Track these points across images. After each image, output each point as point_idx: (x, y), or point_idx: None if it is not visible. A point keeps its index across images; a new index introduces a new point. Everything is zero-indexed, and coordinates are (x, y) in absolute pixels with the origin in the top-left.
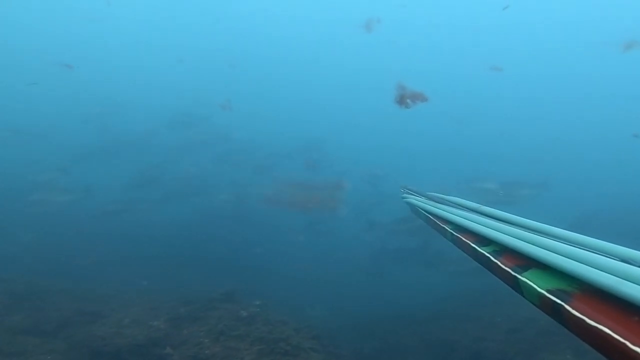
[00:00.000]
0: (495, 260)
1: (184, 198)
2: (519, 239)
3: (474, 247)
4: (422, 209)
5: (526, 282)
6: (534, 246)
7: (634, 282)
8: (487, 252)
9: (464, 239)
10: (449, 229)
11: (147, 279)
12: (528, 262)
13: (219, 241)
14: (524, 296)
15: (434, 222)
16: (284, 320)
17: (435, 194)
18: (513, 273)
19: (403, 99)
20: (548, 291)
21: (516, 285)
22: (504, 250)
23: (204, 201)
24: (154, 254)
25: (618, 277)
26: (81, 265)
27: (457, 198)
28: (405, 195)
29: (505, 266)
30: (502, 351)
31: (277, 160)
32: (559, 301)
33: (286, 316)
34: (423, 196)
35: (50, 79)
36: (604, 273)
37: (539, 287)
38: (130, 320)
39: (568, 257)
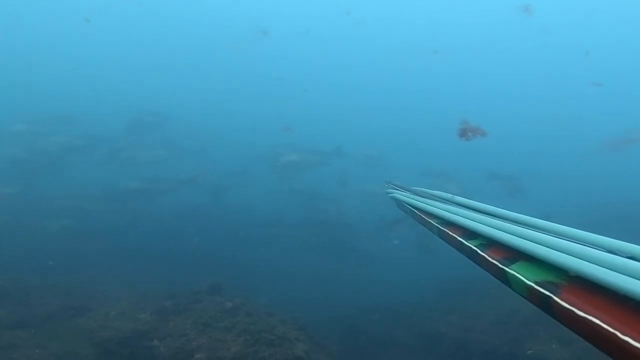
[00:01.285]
0: (482, 254)
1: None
2: (505, 232)
3: (461, 241)
4: (407, 203)
5: (514, 275)
6: (520, 239)
7: (621, 273)
8: (474, 246)
9: (450, 232)
10: (435, 223)
11: (130, 274)
12: (515, 255)
13: (201, 236)
14: (511, 288)
15: (420, 217)
16: (269, 311)
17: (421, 189)
18: (500, 266)
19: (465, 133)
20: (536, 283)
21: (504, 278)
22: (490, 243)
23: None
24: (137, 248)
25: (605, 268)
26: (65, 259)
27: (442, 192)
28: (390, 190)
29: (493, 259)
30: (489, 342)
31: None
32: (547, 293)
33: (271, 307)
34: (408, 191)
35: None
36: (592, 264)
37: (526, 279)
38: (116, 313)
39: (555, 249)
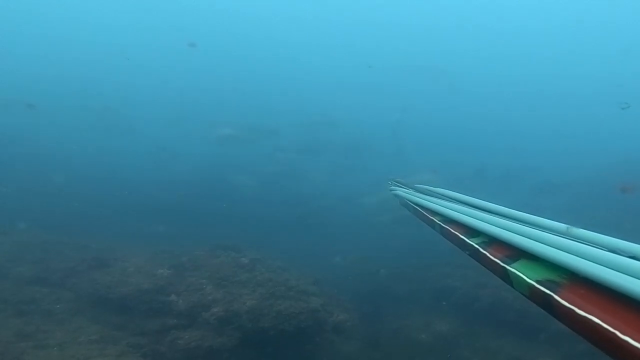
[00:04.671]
0: (484, 252)
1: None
2: (507, 230)
3: (463, 239)
4: (410, 201)
5: (515, 273)
6: (522, 237)
7: (622, 272)
8: (476, 244)
9: (452, 230)
10: (437, 221)
11: (147, 231)
12: (517, 253)
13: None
14: (513, 287)
15: (422, 214)
16: (284, 266)
17: (423, 186)
18: (502, 264)
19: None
20: (537, 282)
21: (505, 276)
22: (492, 241)
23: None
24: (155, 207)
25: (607, 267)
26: (83, 217)
27: (445, 190)
28: (393, 187)
29: (494, 257)
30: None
31: None
32: (548, 292)
33: (286, 262)
34: (411, 188)
35: None
36: (593, 263)
37: (528, 277)
38: (134, 269)
39: (557, 248)
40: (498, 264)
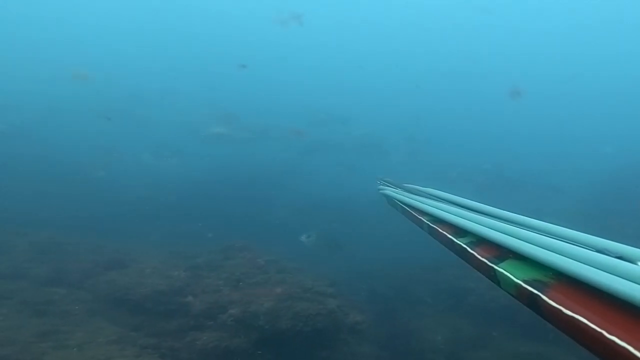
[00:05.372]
0: (472, 251)
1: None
2: (495, 230)
3: (451, 239)
4: (398, 200)
5: (503, 273)
6: (510, 237)
7: (609, 272)
8: (464, 243)
9: (440, 230)
10: (425, 221)
11: (162, 233)
12: (504, 253)
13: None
14: (500, 286)
15: (411, 214)
16: (300, 267)
17: (412, 186)
18: (489, 264)
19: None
20: (524, 281)
21: (493, 275)
22: (480, 241)
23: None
24: (170, 208)
25: (594, 267)
26: (99, 219)
27: (433, 190)
28: (381, 187)
29: (482, 257)
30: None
31: None
32: (535, 291)
33: (302, 264)
34: (399, 188)
35: None
36: (580, 263)
37: (515, 277)
38: (151, 270)
39: (544, 248)
40: (486, 263)
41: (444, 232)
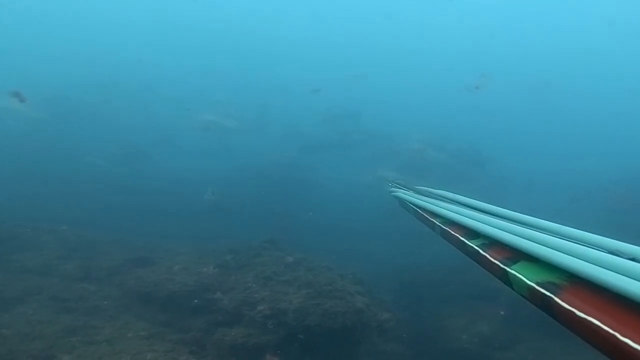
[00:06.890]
0: (484, 254)
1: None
2: (507, 232)
3: (463, 241)
4: (410, 202)
5: (515, 275)
6: (522, 239)
7: (622, 274)
8: (476, 245)
9: (452, 232)
10: (437, 223)
11: (190, 230)
12: (517, 255)
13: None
14: (513, 289)
15: (423, 216)
16: (328, 266)
17: (423, 188)
18: (502, 266)
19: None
20: (537, 284)
21: (505, 278)
22: (492, 243)
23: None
24: (196, 206)
25: (607, 269)
26: (126, 217)
27: (445, 192)
28: (393, 189)
29: (494, 259)
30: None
31: None
32: (548, 294)
33: (330, 262)
34: (411, 190)
35: None
36: (593, 265)
37: (528, 279)
38: (179, 267)
39: (557, 250)
40: (498, 265)
41: (456, 234)
